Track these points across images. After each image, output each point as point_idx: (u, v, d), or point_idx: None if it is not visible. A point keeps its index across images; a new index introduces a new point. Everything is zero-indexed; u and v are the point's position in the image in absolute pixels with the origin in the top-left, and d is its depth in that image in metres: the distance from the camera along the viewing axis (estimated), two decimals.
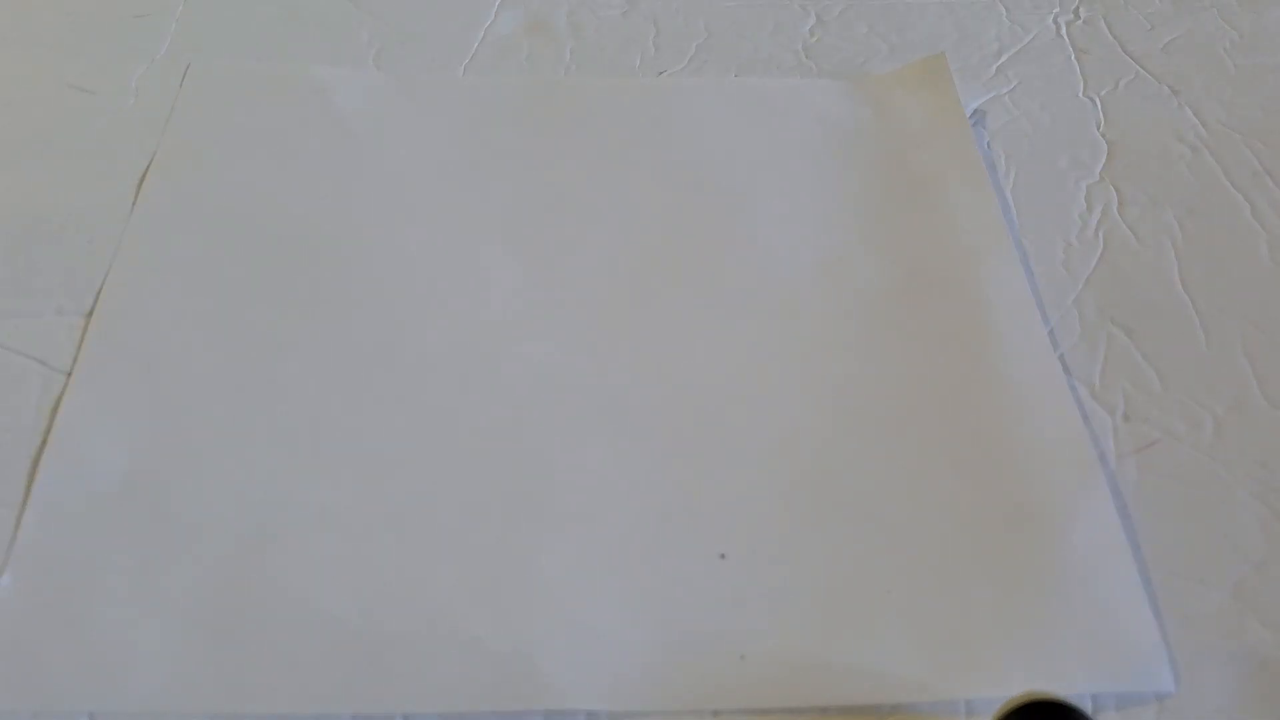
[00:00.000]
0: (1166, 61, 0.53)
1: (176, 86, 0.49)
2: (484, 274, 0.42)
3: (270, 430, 0.37)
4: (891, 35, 0.54)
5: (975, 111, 0.49)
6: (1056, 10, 0.56)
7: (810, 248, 0.44)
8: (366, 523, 0.35)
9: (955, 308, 0.41)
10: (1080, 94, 0.51)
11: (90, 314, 0.40)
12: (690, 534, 0.35)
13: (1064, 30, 0.54)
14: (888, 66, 0.52)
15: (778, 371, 0.40)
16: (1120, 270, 0.43)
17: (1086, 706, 0.31)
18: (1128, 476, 0.37)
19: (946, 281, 0.42)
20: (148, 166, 0.45)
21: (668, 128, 0.49)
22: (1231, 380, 0.40)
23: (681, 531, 0.35)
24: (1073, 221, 0.45)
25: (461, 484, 0.36)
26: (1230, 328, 0.41)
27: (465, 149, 0.47)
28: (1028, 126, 0.49)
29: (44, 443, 0.36)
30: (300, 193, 0.45)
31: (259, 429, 0.37)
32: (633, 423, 0.38)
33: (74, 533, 0.34)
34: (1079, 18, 0.55)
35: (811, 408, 0.38)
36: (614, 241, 0.44)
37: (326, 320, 0.40)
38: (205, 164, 0.46)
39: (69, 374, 0.38)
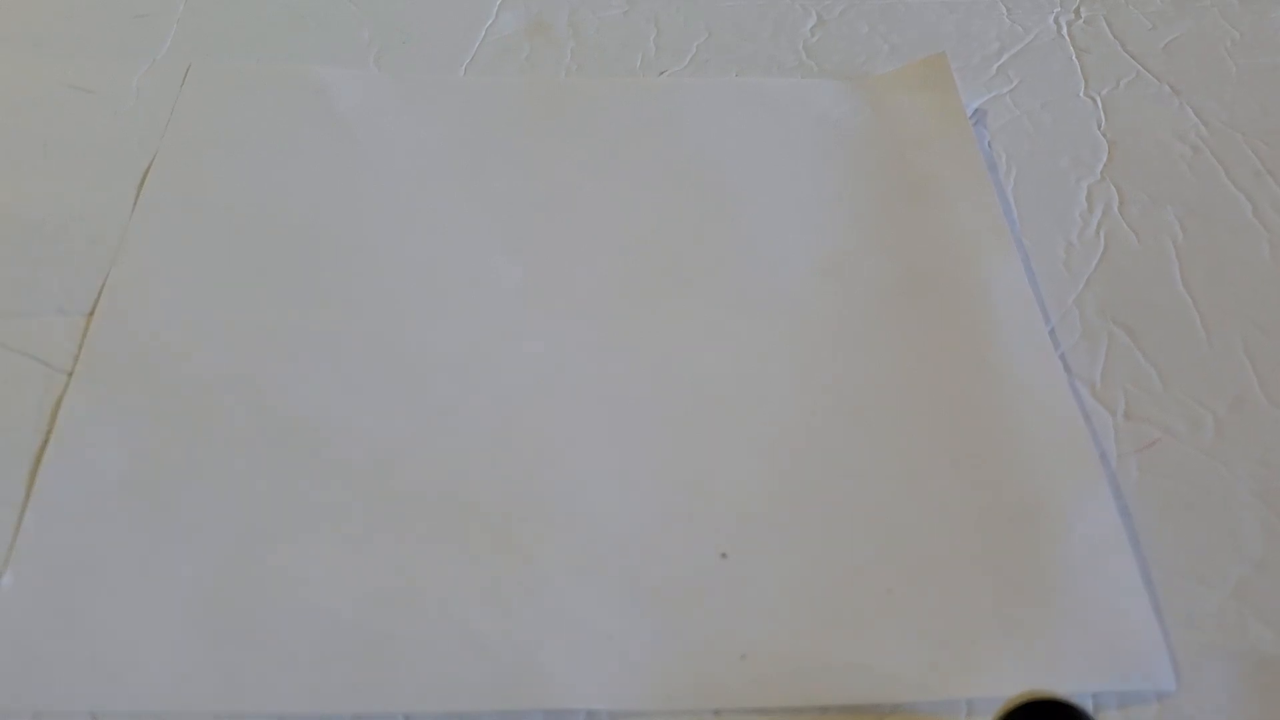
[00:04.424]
0: (1167, 61, 0.53)
1: (177, 87, 0.49)
2: (485, 273, 0.42)
3: (271, 429, 0.37)
4: (892, 35, 0.54)
5: (976, 111, 0.49)
6: (1057, 10, 0.55)
7: (811, 247, 0.44)
8: (367, 522, 0.35)
9: (956, 307, 0.41)
10: (1081, 93, 0.51)
11: (91, 314, 0.40)
12: (691, 534, 0.35)
13: (1065, 30, 0.54)
14: (889, 66, 0.52)
15: (779, 371, 0.40)
16: (1121, 269, 0.43)
17: (1087, 705, 0.31)
18: (1128, 476, 0.37)
19: (947, 281, 0.42)
20: (149, 166, 0.45)
21: (668, 127, 0.49)
22: (1232, 379, 0.40)
23: (682, 531, 0.35)
24: (1074, 221, 0.45)
25: (463, 483, 0.36)
26: (1231, 327, 0.41)
27: (466, 149, 0.47)
28: (1029, 126, 0.49)
29: (45, 442, 0.36)
30: (301, 193, 0.45)
31: (260, 428, 0.37)
32: (634, 422, 0.38)
33: (75, 532, 0.34)
34: (1080, 17, 0.55)
35: (813, 407, 0.38)
36: (614, 241, 0.44)
37: (327, 319, 0.40)
38: (206, 164, 0.46)
39: (70, 373, 0.38)
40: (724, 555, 0.35)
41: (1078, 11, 0.55)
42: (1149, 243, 0.44)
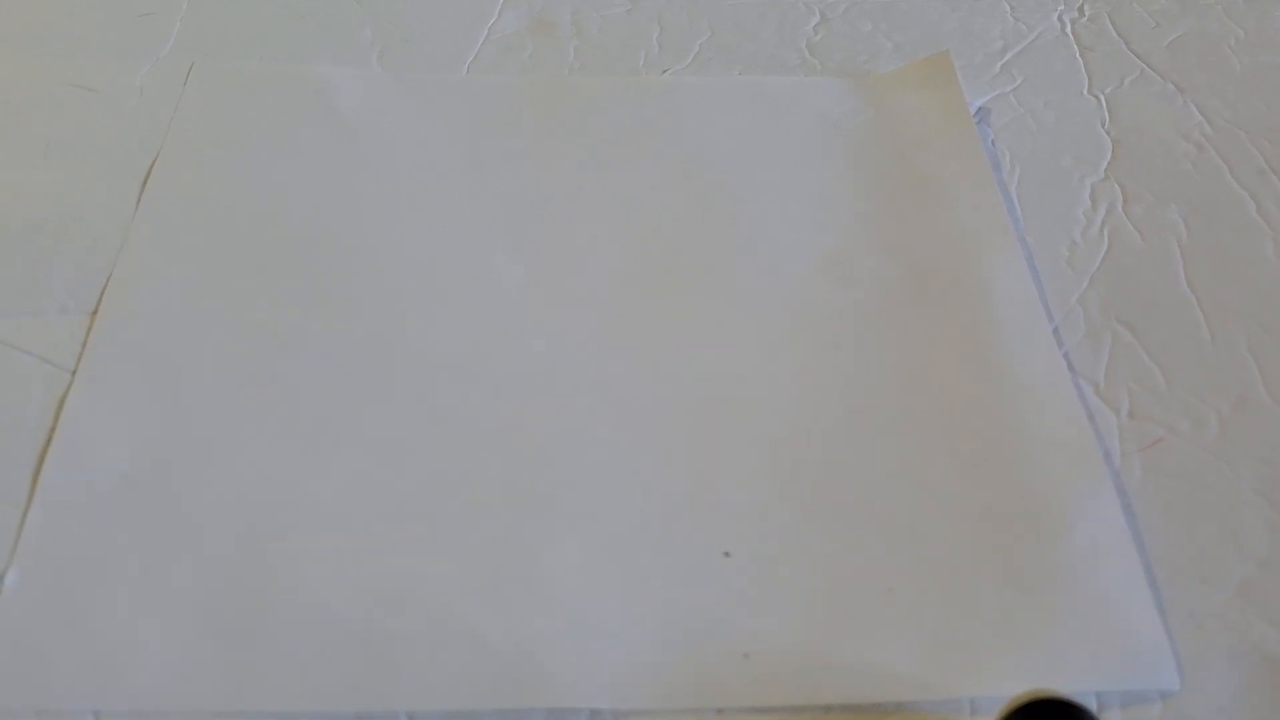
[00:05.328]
0: (1171, 59, 0.53)
1: (180, 86, 0.49)
2: (488, 272, 0.42)
3: (275, 427, 0.37)
4: (895, 33, 0.54)
5: (979, 109, 0.49)
6: (1061, 8, 0.55)
7: (814, 246, 0.44)
8: (370, 520, 0.35)
9: (960, 306, 0.41)
10: (1085, 92, 0.51)
11: (94, 312, 0.40)
12: (694, 532, 0.35)
13: (1069, 28, 0.54)
14: (892, 64, 0.52)
15: (782, 370, 0.40)
16: (1125, 268, 0.43)
17: (1091, 704, 0.31)
18: (1132, 474, 0.37)
19: (951, 279, 0.42)
20: (151, 165, 0.45)
21: (671, 126, 0.49)
22: (1236, 378, 0.40)
23: (685, 530, 0.35)
24: (1077, 219, 0.45)
25: (466, 481, 0.36)
26: (1235, 325, 0.41)
27: (469, 147, 0.47)
28: (1032, 124, 0.49)
29: (49, 440, 0.36)
30: (304, 192, 0.45)
31: (264, 426, 0.37)
32: (637, 420, 0.38)
33: (79, 530, 0.34)
34: (1084, 15, 0.55)
35: (816, 406, 0.38)
36: (617, 239, 0.44)
37: (331, 318, 0.40)
38: (209, 163, 0.46)
39: (73, 372, 0.38)
40: (727, 554, 0.34)
41: (1081, 9, 0.55)
42: (1153, 241, 0.44)
